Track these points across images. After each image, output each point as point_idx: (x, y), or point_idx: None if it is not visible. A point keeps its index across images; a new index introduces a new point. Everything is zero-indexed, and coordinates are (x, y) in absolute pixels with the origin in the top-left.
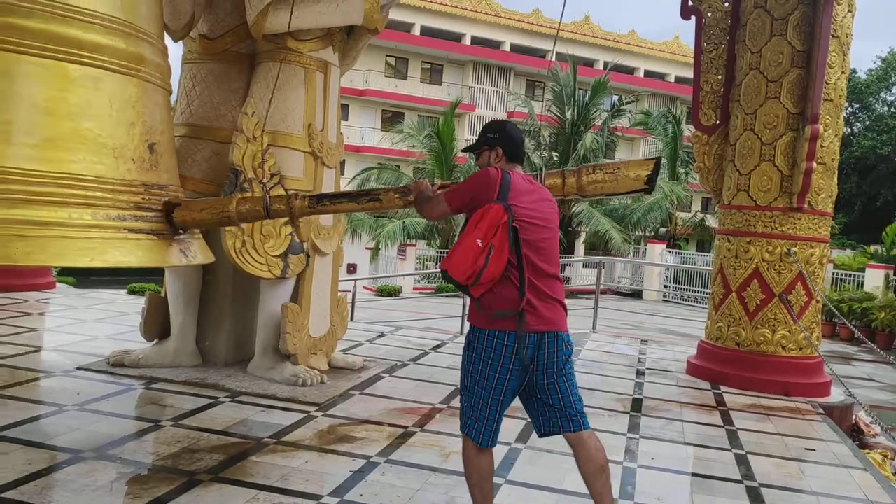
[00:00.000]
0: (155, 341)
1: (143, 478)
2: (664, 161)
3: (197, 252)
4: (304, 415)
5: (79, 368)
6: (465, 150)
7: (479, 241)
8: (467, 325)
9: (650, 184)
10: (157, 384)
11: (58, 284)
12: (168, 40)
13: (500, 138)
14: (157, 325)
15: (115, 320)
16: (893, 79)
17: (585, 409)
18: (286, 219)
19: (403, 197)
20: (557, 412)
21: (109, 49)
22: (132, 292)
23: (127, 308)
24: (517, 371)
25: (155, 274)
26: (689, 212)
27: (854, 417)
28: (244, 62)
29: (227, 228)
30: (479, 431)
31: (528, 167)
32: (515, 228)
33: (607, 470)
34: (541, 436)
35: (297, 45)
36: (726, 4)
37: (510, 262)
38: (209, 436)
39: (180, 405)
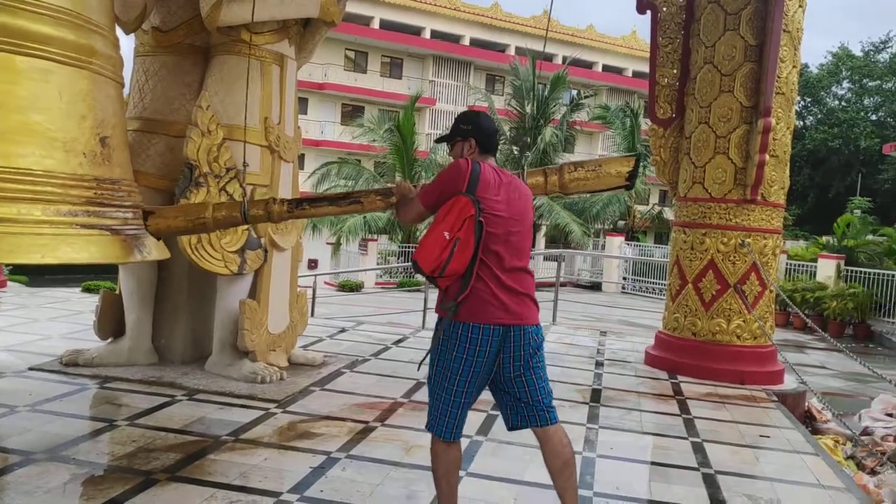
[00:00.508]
0: (109, 340)
1: (98, 479)
2: (623, 154)
3: (151, 248)
4: (263, 412)
5: (31, 368)
6: (437, 140)
7: (445, 234)
8: (430, 321)
9: (631, 180)
10: (111, 383)
11: (9, 283)
12: (120, 33)
13: (474, 129)
14: (111, 323)
15: (68, 319)
16: (843, 73)
17: None
18: None
19: (385, 199)
20: (525, 406)
21: (59, 40)
22: (86, 290)
23: (81, 306)
24: (485, 363)
25: (110, 271)
26: (647, 205)
27: (807, 404)
28: (198, 55)
29: None
30: (445, 426)
31: (509, 165)
32: (481, 223)
33: (573, 465)
34: (510, 429)
35: (253, 38)
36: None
37: (474, 255)
38: (166, 435)
39: (136, 404)
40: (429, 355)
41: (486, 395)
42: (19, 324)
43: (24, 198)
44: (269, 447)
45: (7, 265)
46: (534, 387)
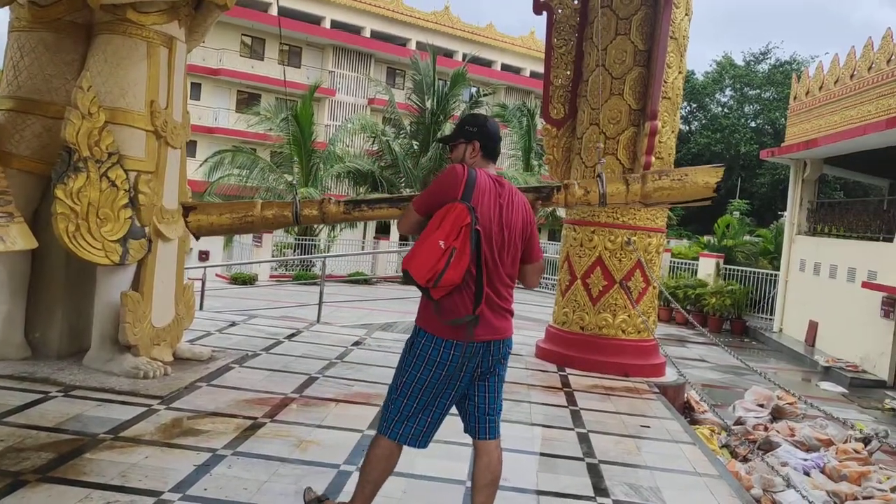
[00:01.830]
0: None
1: None
2: (518, 154)
3: (17, 237)
4: (145, 408)
5: None
6: (439, 140)
7: (441, 243)
8: (326, 312)
9: (719, 191)
10: None
11: None
12: None
13: (479, 133)
14: None
15: None
16: (726, 81)
17: None
18: (126, 202)
19: None
20: (479, 413)
21: None
22: None
23: None
24: (460, 379)
25: None
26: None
27: (686, 396)
28: (80, 33)
29: (59, 210)
30: (407, 433)
31: (389, 156)
32: (478, 232)
33: (497, 484)
34: (465, 432)
35: (139, 18)
36: (576, 2)
37: (469, 267)
38: (38, 433)
39: (5, 401)
40: (404, 358)
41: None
42: None
43: None
44: (151, 445)
45: None
46: (492, 394)
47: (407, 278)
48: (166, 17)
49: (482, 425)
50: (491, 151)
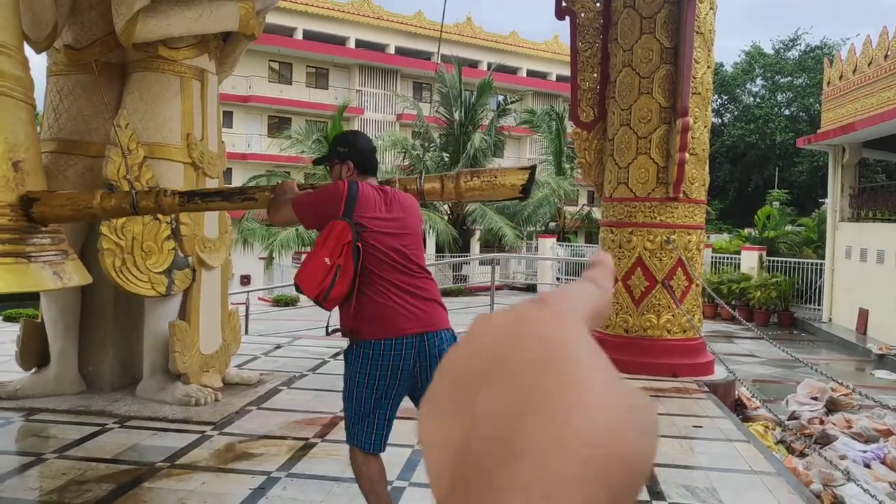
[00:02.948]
0: (33, 370)
1: None
2: (550, 158)
3: (72, 273)
4: (198, 435)
5: None
6: (315, 161)
7: (326, 260)
8: None
9: (525, 193)
10: (38, 415)
11: None
12: (30, 52)
13: (350, 151)
14: (34, 352)
15: None
16: (757, 71)
17: None
18: (168, 234)
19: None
20: None
21: None
22: (7, 319)
23: (1, 336)
24: (398, 377)
25: (31, 298)
26: (577, 205)
27: (737, 393)
28: (115, 72)
29: (105, 246)
30: (363, 437)
31: (426, 169)
32: (358, 248)
33: None
34: None
35: (171, 54)
36: (598, 4)
37: (360, 277)
38: (97, 465)
39: (65, 435)
40: (345, 369)
41: None
42: None
43: None
44: (207, 471)
45: None
46: None
47: (298, 290)
48: (197, 51)
49: None
50: (366, 167)
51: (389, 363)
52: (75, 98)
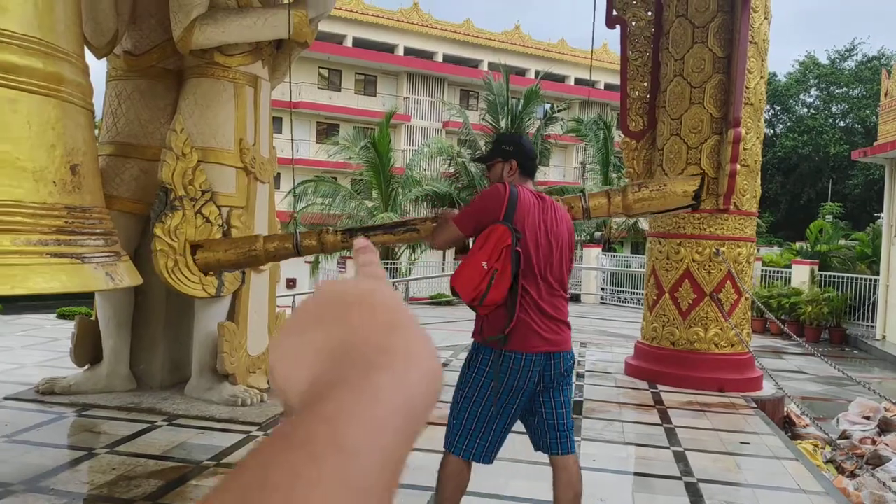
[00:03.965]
0: (87, 367)
1: None
2: (597, 167)
3: (124, 275)
4: (244, 435)
5: (6, 398)
6: (475, 160)
7: (483, 264)
8: (457, 339)
9: (697, 199)
10: (90, 411)
11: None
12: (91, 58)
13: (516, 151)
14: (88, 349)
15: (43, 346)
16: (811, 81)
17: None
18: (219, 235)
19: None
20: (550, 429)
21: (26, 69)
22: (61, 317)
23: (56, 333)
24: (522, 392)
25: (85, 297)
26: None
27: (785, 410)
28: (171, 78)
29: (159, 248)
30: (472, 447)
31: (466, 177)
32: (518, 253)
33: (580, 501)
34: (536, 450)
35: (226, 60)
36: (649, 13)
37: (513, 285)
38: (146, 461)
39: (115, 431)
40: (463, 374)
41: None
42: None
43: None
44: None
45: None
46: (560, 409)
47: (454, 294)
48: (251, 58)
49: (554, 440)
50: (528, 169)
51: (517, 378)
52: (133, 102)
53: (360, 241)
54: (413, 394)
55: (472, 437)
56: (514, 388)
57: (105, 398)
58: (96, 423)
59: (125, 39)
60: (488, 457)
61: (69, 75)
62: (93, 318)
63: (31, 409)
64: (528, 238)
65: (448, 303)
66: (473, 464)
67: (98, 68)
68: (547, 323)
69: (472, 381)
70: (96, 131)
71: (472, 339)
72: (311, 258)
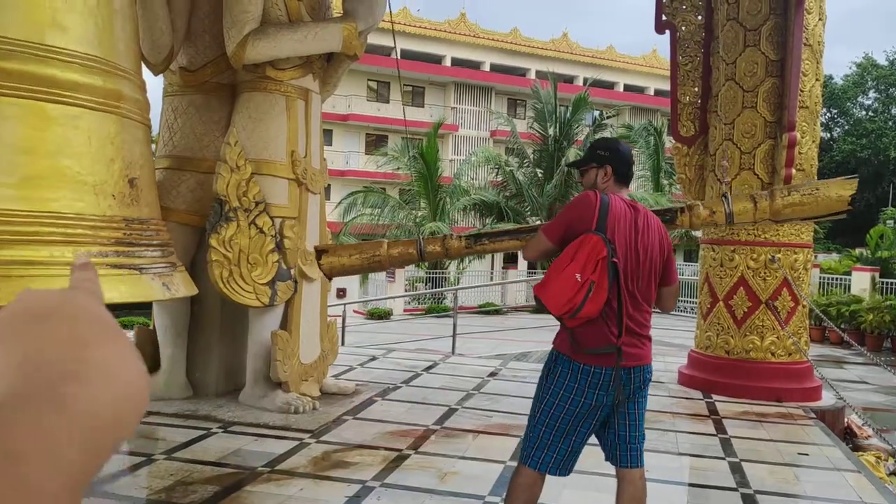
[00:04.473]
0: None
1: None
2: (647, 174)
3: (180, 285)
4: (297, 442)
5: None
6: (570, 164)
7: (577, 276)
8: (460, 344)
9: (854, 204)
10: (148, 417)
11: None
12: (148, 74)
13: (611, 157)
14: (146, 358)
15: None
16: (869, 83)
17: None
18: (273, 247)
19: None
20: (621, 441)
21: (87, 87)
22: (120, 326)
23: None
24: (602, 407)
25: (143, 307)
26: None
27: (846, 420)
28: (225, 93)
29: (214, 258)
30: (548, 459)
31: (514, 186)
32: (615, 264)
33: None
34: (606, 460)
35: (277, 74)
36: (699, 18)
37: (608, 300)
38: (203, 467)
39: (172, 438)
40: (542, 385)
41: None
42: None
43: (56, 240)
44: (305, 477)
45: None
46: (633, 421)
47: (540, 306)
48: (301, 71)
49: (624, 453)
50: (623, 176)
51: (596, 391)
52: (188, 117)
53: (80, 258)
54: (104, 407)
55: (548, 450)
56: (596, 402)
57: (163, 405)
58: (154, 429)
59: (181, 56)
60: (564, 470)
61: (128, 92)
62: (150, 328)
63: None
64: (619, 249)
65: (497, 311)
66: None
67: (155, 84)
68: (635, 338)
69: (551, 394)
70: (153, 146)
71: (553, 349)
72: None
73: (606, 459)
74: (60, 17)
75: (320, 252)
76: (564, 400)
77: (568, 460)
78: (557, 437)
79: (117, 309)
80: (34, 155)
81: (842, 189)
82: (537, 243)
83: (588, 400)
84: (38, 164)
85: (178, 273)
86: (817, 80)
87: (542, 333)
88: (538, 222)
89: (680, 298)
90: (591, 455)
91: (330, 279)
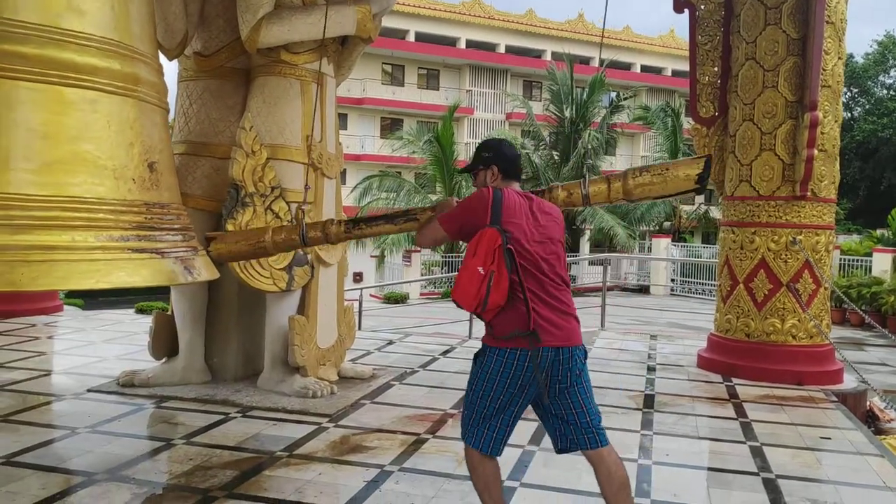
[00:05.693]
0: (164, 360)
1: (158, 497)
2: (665, 155)
3: (201, 269)
4: (315, 426)
5: (89, 390)
6: (461, 171)
7: (479, 269)
8: (476, 330)
9: (701, 183)
10: (167, 402)
11: (65, 307)
12: (163, 59)
13: (495, 157)
14: (165, 343)
15: (123, 340)
16: (891, 62)
17: (599, 408)
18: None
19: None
20: (573, 428)
21: (105, 71)
22: (140, 311)
23: (135, 328)
24: (527, 387)
25: (162, 292)
26: (693, 204)
27: (868, 403)
28: (240, 77)
29: None
30: (481, 439)
31: (529, 168)
32: (510, 251)
33: (628, 486)
34: (558, 452)
35: (292, 58)
36: None
37: (514, 283)
38: (222, 452)
39: (191, 422)
40: (472, 371)
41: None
42: (76, 347)
43: (78, 225)
44: (323, 462)
45: (62, 290)
46: (580, 407)
47: (458, 306)
48: (316, 55)
49: (582, 437)
50: (510, 172)
51: (522, 373)
52: (204, 102)
53: None
54: None
55: (479, 429)
56: (519, 382)
57: (181, 390)
58: (173, 414)
59: (195, 40)
60: (497, 448)
61: (145, 75)
62: (169, 313)
63: (113, 401)
64: (519, 236)
65: None
66: (552, 459)
67: (170, 70)
68: (553, 317)
69: (480, 376)
70: (170, 130)
71: (481, 341)
72: (376, 252)
73: (561, 451)
74: (77, 1)
75: (209, 239)
76: (491, 382)
77: (499, 438)
78: (487, 417)
79: (137, 293)
80: (53, 140)
81: (689, 168)
82: (433, 231)
83: (513, 380)
84: (58, 148)
85: (199, 257)
86: (840, 58)
87: None
88: (406, 209)
89: (698, 281)
90: (613, 440)
91: (220, 265)
